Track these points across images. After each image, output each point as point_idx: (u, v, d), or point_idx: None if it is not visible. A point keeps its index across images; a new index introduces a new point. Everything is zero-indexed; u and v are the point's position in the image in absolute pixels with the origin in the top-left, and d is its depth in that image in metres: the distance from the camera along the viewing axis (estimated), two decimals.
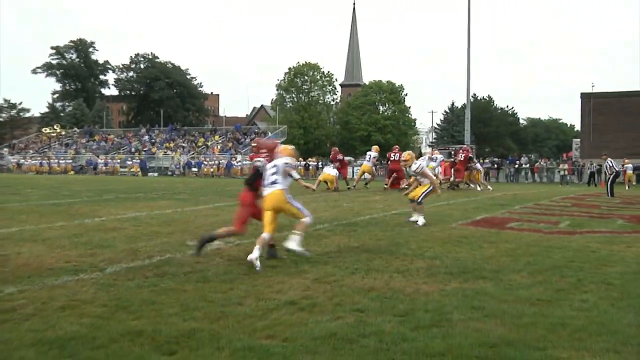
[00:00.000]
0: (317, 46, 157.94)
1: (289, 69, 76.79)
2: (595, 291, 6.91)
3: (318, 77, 77.61)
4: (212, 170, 51.11)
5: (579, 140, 60.14)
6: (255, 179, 8.80)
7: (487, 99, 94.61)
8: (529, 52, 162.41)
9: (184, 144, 61.51)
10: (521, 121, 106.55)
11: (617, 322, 5.64)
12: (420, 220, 13.10)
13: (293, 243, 8.61)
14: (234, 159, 53.12)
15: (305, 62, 77.57)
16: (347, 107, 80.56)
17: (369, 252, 9.45)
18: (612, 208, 18.17)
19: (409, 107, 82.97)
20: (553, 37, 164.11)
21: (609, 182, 24.82)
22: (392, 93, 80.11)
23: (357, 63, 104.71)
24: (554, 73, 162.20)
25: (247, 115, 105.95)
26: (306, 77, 76.93)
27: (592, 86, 67.09)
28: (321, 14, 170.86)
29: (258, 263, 7.88)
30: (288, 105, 76.80)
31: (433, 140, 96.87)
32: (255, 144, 7.97)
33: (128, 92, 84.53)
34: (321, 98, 79.03)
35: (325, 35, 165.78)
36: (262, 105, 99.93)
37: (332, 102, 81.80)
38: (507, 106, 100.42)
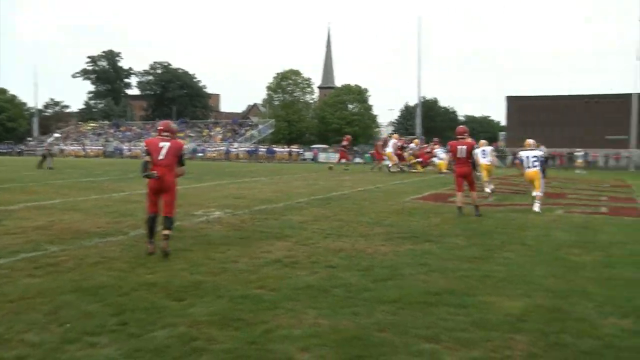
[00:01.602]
0: (300, 54, 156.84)
1: (277, 74, 76.09)
2: (515, 250, 7.03)
3: (299, 81, 77.02)
4: (214, 155, 50.76)
5: (504, 133, 60.84)
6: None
7: (434, 100, 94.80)
8: (464, 60, 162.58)
9: (191, 134, 60.96)
10: (460, 118, 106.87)
11: (529, 274, 5.74)
12: None
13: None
14: (231, 146, 52.85)
15: (290, 69, 77.06)
16: (323, 105, 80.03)
17: (339, 220, 9.47)
18: (529, 186, 18.22)
19: (372, 106, 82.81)
20: (490, 45, 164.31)
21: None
22: (359, 94, 79.74)
23: (331, 69, 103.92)
24: (485, 78, 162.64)
25: (242, 111, 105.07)
26: (290, 81, 76.32)
27: (515, 92, 68.06)
28: (302, 29, 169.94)
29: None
30: (276, 103, 76.17)
31: (392, 132, 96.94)
32: (161, 127, 6.82)
33: (147, 92, 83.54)
34: (302, 98, 78.50)
35: (307, 45, 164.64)
36: (255, 103, 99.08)
37: (310, 101, 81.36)
38: (449, 106, 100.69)
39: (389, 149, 25.92)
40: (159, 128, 6.88)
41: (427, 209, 11.39)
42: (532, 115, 54.28)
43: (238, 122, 67.06)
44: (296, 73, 76.72)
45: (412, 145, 27.82)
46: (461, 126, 11.26)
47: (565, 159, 42.20)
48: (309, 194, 14.22)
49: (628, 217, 10.57)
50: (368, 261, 6.26)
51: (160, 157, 6.54)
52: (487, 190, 14.38)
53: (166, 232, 6.46)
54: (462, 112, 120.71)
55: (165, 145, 6.61)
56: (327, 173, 25.02)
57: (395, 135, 27.61)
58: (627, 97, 44.89)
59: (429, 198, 13.66)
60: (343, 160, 28.87)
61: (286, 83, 76.37)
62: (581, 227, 9.08)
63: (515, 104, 56.60)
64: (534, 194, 11.63)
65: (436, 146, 28.35)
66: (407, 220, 9.70)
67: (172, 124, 7.06)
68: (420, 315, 4.35)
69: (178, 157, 6.68)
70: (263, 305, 4.55)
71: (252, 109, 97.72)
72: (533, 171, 11.83)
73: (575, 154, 37.52)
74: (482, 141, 16.60)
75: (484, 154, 15.24)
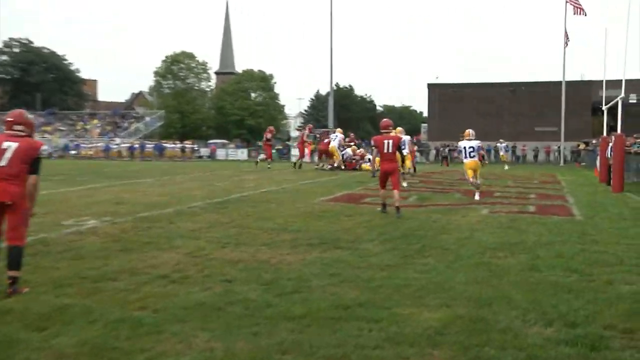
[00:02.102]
0: (193, 35, 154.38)
1: (166, 57, 74.48)
2: (434, 255, 7.28)
3: (193, 65, 75.84)
4: (90, 152, 48.92)
5: (426, 125, 62.77)
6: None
7: (349, 87, 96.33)
8: (385, 45, 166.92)
9: (62, 128, 58.42)
10: (378, 108, 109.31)
11: (450, 281, 5.97)
12: None
13: None
14: (112, 141, 51.19)
15: (182, 52, 75.67)
16: (221, 93, 79.29)
17: (238, 227, 9.42)
18: (453, 184, 19.13)
19: (278, 94, 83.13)
20: (406, 32, 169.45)
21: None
22: (263, 81, 79.80)
23: (230, 53, 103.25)
24: (406, 64, 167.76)
25: (125, 100, 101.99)
26: (182, 65, 74.96)
27: (437, 78, 70.00)
28: (197, 5, 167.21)
29: None
30: (165, 91, 74.57)
31: (301, 124, 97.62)
32: (11, 119, 5.74)
33: (2, 76, 78.51)
34: (197, 85, 77.41)
35: (201, 25, 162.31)
36: (140, 91, 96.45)
37: (207, 89, 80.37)
38: (366, 94, 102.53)
39: (334, 144, 26.19)
40: (8, 120, 5.75)
41: (339, 211, 11.58)
42: (456, 104, 56.39)
43: (120, 114, 65.06)
44: (189, 56, 75.55)
45: (349, 151, 27.87)
46: (386, 119, 11.82)
47: (493, 152, 44.09)
48: (204, 197, 14.06)
49: (556, 216, 11.24)
50: (271, 273, 6.27)
51: (2, 162, 5.47)
52: (404, 184, 15.86)
53: (13, 273, 5.37)
54: (380, 101, 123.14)
55: (11, 146, 5.51)
56: (229, 173, 24.80)
57: (340, 130, 27.75)
58: (557, 85, 47.41)
59: (341, 199, 13.89)
60: (262, 156, 29.27)
61: (178, 68, 75.00)
62: (507, 228, 9.56)
63: (436, 92, 58.51)
64: (473, 181, 13.97)
65: (352, 143, 28.90)
66: (316, 224, 9.81)
67: (27, 115, 5.95)
68: (328, 332, 4.40)
69: (29, 163, 5.55)
70: (144, 329, 4.43)
71: (137, 97, 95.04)
72: (472, 161, 14.10)
73: (498, 145, 39.24)
74: (399, 128, 17.93)
75: (403, 145, 16.25)
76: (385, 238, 8.49)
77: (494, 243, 8.14)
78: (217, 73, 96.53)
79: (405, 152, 16.58)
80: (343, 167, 26.14)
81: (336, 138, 26.39)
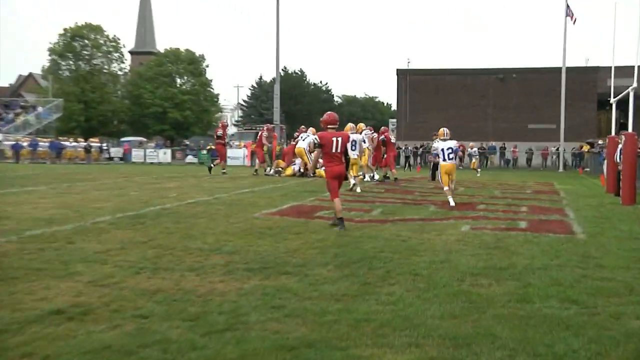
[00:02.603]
0: (102, 4, 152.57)
1: (65, 30, 73.35)
2: (402, 283, 7.35)
3: (102, 41, 74.94)
4: None
5: (395, 120, 63.02)
6: None
7: (299, 73, 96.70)
8: (345, 24, 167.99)
9: None
10: (336, 99, 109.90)
11: (421, 315, 6.03)
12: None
13: None
14: None
15: (86, 24, 74.63)
16: (138, 78, 78.60)
17: (158, 247, 9.35)
18: (426, 194, 19.39)
19: (211, 81, 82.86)
20: (371, 9, 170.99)
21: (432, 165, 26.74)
22: (192, 63, 79.44)
23: (149, 27, 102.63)
24: (371, 46, 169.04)
25: (10, 84, 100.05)
26: (87, 41, 73.99)
27: (408, 62, 70.34)
28: None
29: None
30: (64, 74, 73.44)
31: (239, 118, 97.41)
32: None
33: None
34: (106, 67, 76.51)
35: None
36: (30, 73, 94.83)
37: (119, 72, 79.49)
38: (321, 82, 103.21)
39: (303, 145, 26.50)
40: None
41: (285, 227, 11.61)
42: (430, 95, 56.92)
43: (3, 102, 63.75)
44: (96, 29, 74.68)
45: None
46: (330, 112, 12.23)
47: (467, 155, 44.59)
48: (114, 209, 13.90)
49: (553, 233, 11.46)
50: (199, 306, 6.24)
51: None
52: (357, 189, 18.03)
53: None
54: (338, 90, 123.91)
55: None
56: (149, 179, 24.55)
57: (313, 129, 27.88)
58: (556, 72, 47.90)
59: (288, 212, 13.92)
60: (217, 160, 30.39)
61: (81, 44, 74.07)
62: (492, 249, 9.71)
63: (407, 80, 58.83)
64: (449, 186, 15.91)
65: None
66: (257, 244, 9.81)
67: None
68: None
69: None
70: None
71: (26, 81, 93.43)
72: (450, 164, 15.97)
73: (469, 150, 39.20)
74: (360, 125, 21.59)
75: (353, 146, 18.97)
76: (341, 261, 8.53)
77: (475, 267, 8.25)
78: (132, 53, 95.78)
79: (354, 154, 18.55)
80: (312, 174, 26.26)
81: (307, 139, 26.50)
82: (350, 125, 22.81)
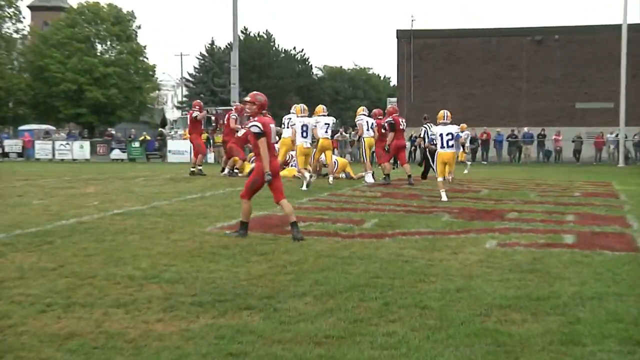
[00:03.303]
0: None
1: None
2: (406, 319, 7.35)
3: None
4: None
5: (394, 100, 62.69)
6: None
7: (265, 36, 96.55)
8: None
9: None
10: (315, 71, 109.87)
11: None
12: None
13: None
14: None
15: None
16: (42, 44, 78.15)
17: (72, 276, 9.31)
18: (437, 198, 19.25)
19: (145, 48, 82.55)
20: None
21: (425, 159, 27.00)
22: (117, 24, 79.19)
23: None
24: (362, 2, 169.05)
25: None
26: None
27: (412, 21, 69.75)
28: None
29: None
30: None
31: (184, 98, 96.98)
32: None
33: None
34: None
35: None
36: None
37: (15, 35, 79.11)
38: (295, 48, 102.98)
39: (288, 134, 25.50)
40: None
41: (247, 245, 11.66)
42: (442, 65, 56.68)
43: None
44: None
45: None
46: (256, 93, 13.13)
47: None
48: (10, 225, 13.86)
49: (610, 251, 11.47)
50: (129, 355, 6.25)
51: None
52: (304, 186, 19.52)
53: None
54: (319, 60, 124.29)
55: None
56: (56, 184, 24.44)
57: (303, 107, 27.51)
58: (613, 31, 47.86)
59: (250, 225, 13.82)
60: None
61: None
62: (528, 272, 9.72)
63: (411, 44, 58.48)
64: (445, 177, 17.76)
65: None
66: (209, 268, 9.81)
67: None
68: None
69: None
70: None
71: None
72: (449, 152, 17.95)
73: (460, 134, 38.73)
74: (361, 108, 22.23)
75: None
76: (323, 290, 8.53)
77: (505, 297, 8.27)
78: (33, 8, 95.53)
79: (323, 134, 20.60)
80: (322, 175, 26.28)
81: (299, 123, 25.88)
82: (322, 106, 22.98)
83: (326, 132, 19.32)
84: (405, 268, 9.93)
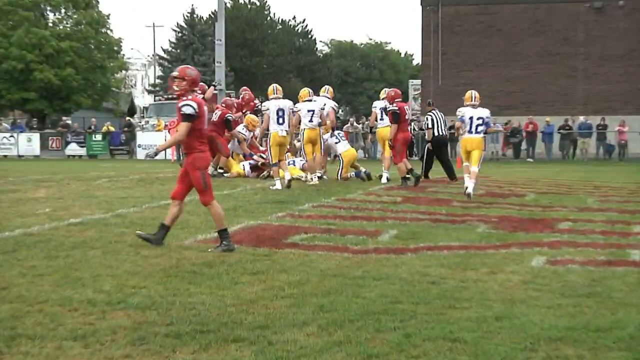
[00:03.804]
0: None
1: None
2: (432, 354, 7.35)
3: None
4: None
5: (418, 82, 62.60)
6: None
7: (258, 3, 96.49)
8: None
9: None
10: (320, 46, 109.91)
11: None
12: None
13: None
14: None
15: None
16: None
17: (16, 301, 9.33)
18: (470, 205, 19.31)
19: (108, 17, 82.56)
20: None
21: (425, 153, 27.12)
22: None
23: None
24: None
25: None
26: None
27: None
28: None
29: None
30: None
31: (157, 80, 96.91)
32: None
33: None
34: None
35: None
36: None
37: None
38: (294, 18, 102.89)
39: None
40: None
41: (236, 262, 11.70)
42: (477, 39, 56.60)
43: None
44: None
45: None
46: (185, 67, 13.46)
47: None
48: None
49: None
50: None
51: None
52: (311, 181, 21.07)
53: None
54: (324, 33, 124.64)
55: None
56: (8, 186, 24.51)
57: (330, 89, 27.44)
58: None
59: (240, 237, 13.90)
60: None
61: None
62: (584, 296, 9.73)
63: (438, 13, 58.29)
64: (472, 169, 18.20)
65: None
66: (188, 291, 9.83)
67: None
68: None
69: None
70: None
71: None
72: (476, 138, 18.34)
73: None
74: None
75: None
76: (330, 319, 8.53)
77: (556, 328, 8.27)
78: None
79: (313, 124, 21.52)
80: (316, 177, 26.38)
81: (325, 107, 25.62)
82: (307, 90, 23.04)
83: (310, 120, 19.89)
84: (432, 291, 9.92)
